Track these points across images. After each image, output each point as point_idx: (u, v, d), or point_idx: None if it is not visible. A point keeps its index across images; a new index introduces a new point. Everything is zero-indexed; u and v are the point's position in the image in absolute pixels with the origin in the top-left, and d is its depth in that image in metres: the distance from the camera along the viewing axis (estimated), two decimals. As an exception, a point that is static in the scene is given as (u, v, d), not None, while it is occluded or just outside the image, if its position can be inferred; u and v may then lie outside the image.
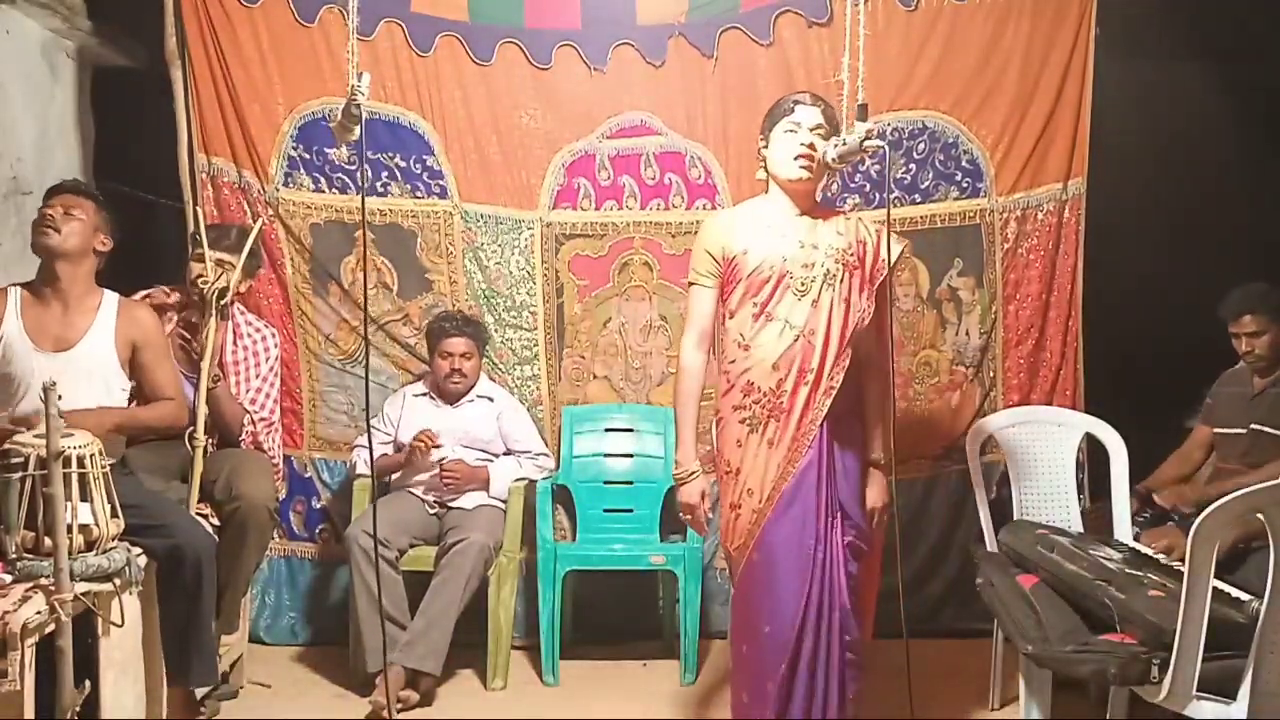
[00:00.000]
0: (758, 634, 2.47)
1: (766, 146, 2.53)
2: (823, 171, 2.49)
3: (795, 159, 2.46)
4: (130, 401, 2.84)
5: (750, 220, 2.56)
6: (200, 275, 3.08)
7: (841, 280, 2.48)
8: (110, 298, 2.81)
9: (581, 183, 3.76)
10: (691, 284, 2.61)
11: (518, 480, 3.56)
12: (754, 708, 2.48)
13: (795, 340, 2.46)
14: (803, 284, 2.47)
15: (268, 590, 3.74)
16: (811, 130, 2.45)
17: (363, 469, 3.54)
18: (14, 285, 2.77)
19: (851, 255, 2.50)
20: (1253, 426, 3.08)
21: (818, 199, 2.63)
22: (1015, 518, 3.16)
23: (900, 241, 2.61)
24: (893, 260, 2.53)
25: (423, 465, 3.47)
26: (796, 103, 2.49)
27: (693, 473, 2.57)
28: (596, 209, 3.77)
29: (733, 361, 2.54)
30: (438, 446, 3.45)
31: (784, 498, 2.46)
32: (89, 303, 2.77)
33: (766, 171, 2.55)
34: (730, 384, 2.54)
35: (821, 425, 2.47)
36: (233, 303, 3.20)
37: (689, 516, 2.61)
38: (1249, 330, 3.11)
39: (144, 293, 3.18)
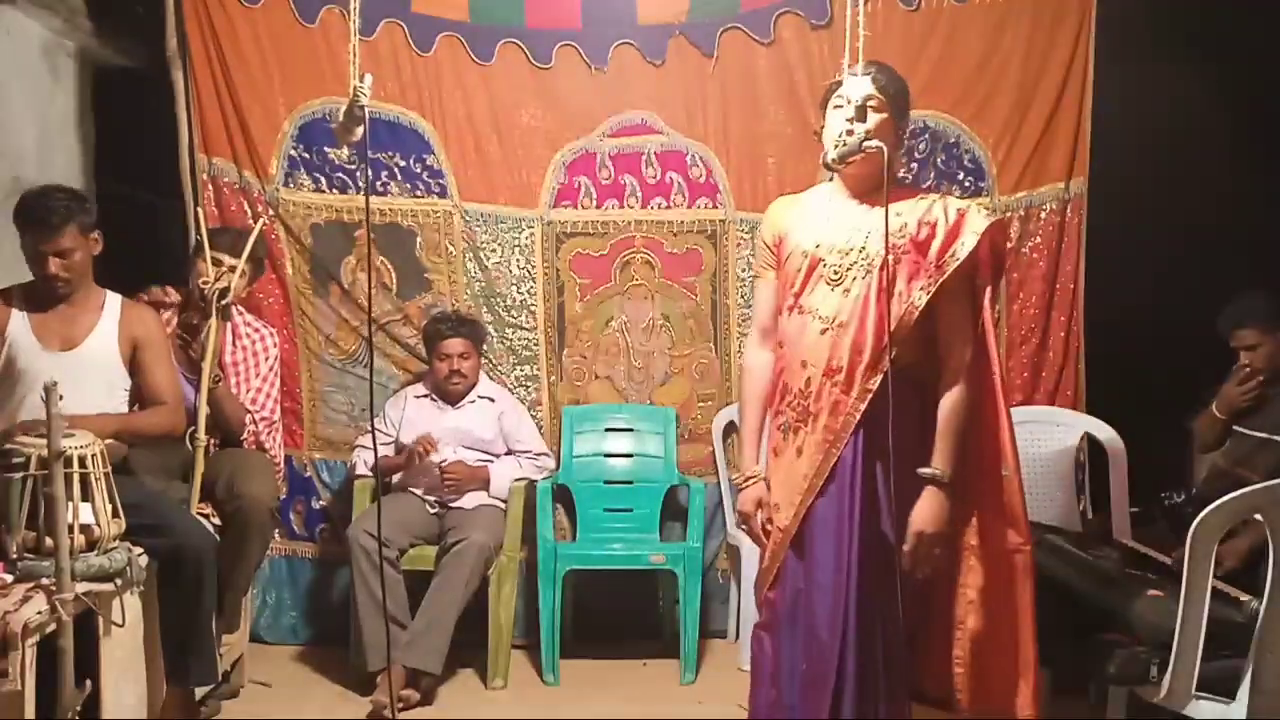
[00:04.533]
0: (791, 673, 2.19)
1: (824, 127, 2.23)
2: (888, 152, 2.10)
3: (837, 137, 2.15)
4: (131, 402, 2.84)
5: (802, 205, 2.31)
6: (203, 276, 3.09)
7: (882, 268, 2.12)
8: (114, 298, 2.81)
9: (582, 181, 3.76)
10: (755, 277, 2.42)
11: (518, 480, 3.56)
12: None
13: (823, 334, 2.17)
14: (835, 272, 2.18)
15: (268, 590, 3.73)
16: (863, 102, 2.10)
17: (363, 469, 3.55)
18: (17, 285, 2.77)
19: (902, 238, 2.12)
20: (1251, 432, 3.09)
21: (900, 176, 2.30)
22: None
23: (987, 216, 2.19)
24: (969, 247, 2.11)
25: (423, 469, 3.47)
26: (850, 73, 2.12)
27: (750, 478, 2.29)
28: (597, 207, 3.76)
29: (776, 361, 2.31)
30: (437, 452, 3.45)
31: (812, 515, 2.17)
32: (93, 301, 2.78)
33: (824, 161, 2.24)
34: (773, 387, 2.29)
35: (858, 435, 2.15)
36: (234, 303, 3.20)
37: (744, 527, 2.34)
38: (1246, 344, 3.09)
39: (150, 291, 3.19)
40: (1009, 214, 3.73)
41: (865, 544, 2.14)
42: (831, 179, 2.30)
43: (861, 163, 2.14)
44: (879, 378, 2.11)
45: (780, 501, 2.22)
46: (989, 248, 2.16)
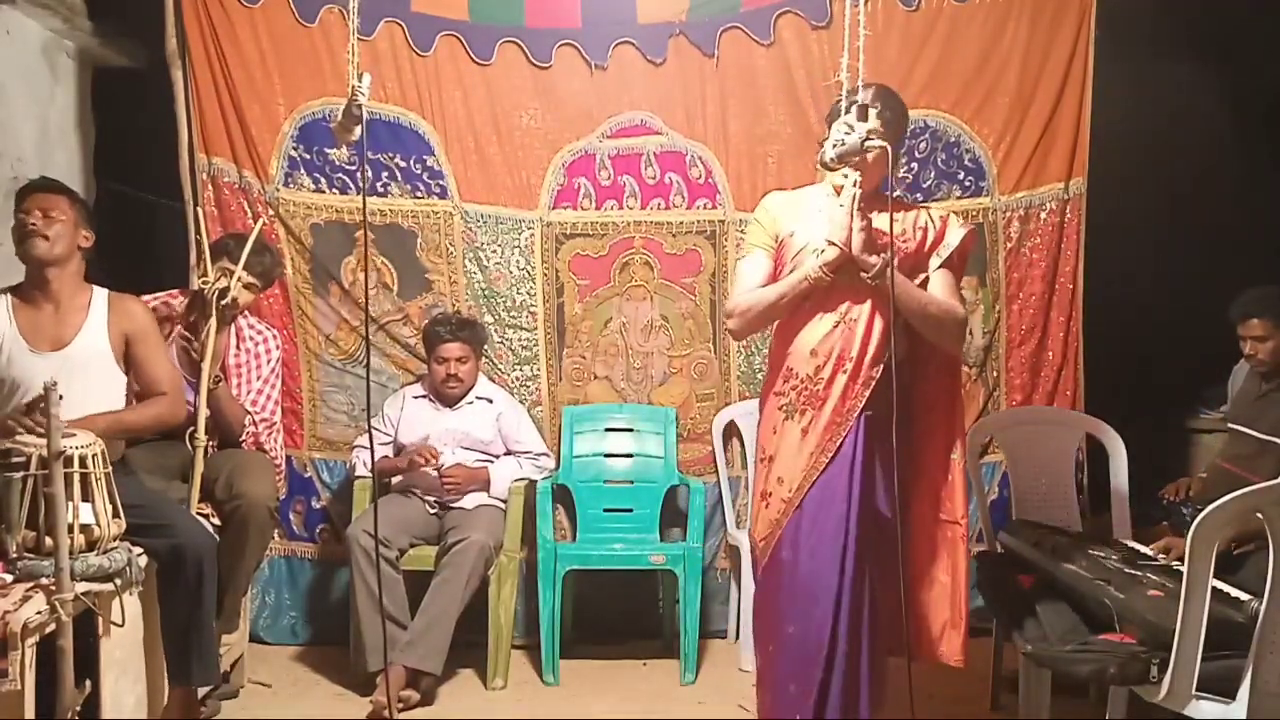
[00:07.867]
0: (781, 634, 2.41)
1: (827, 137, 2.39)
2: (880, 168, 2.36)
3: (836, 137, 2.32)
4: (128, 397, 2.82)
5: (803, 203, 2.51)
6: (216, 278, 3.08)
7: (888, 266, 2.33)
8: (100, 293, 2.77)
9: (582, 182, 3.76)
10: (742, 257, 2.56)
11: (518, 480, 3.56)
12: (777, 709, 2.41)
13: (835, 326, 2.39)
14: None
15: (268, 590, 3.74)
16: (864, 104, 2.30)
17: (362, 470, 3.55)
18: (3, 291, 2.73)
19: (902, 242, 2.37)
20: (1250, 432, 3.10)
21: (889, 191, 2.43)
22: (1015, 518, 3.16)
23: (964, 226, 2.49)
24: (953, 245, 2.42)
25: (422, 474, 3.47)
26: (854, 104, 2.31)
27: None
28: (597, 209, 3.77)
29: (774, 347, 2.53)
30: (437, 461, 3.45)
31: (815, 490, 2.38)
32: (80, 300, 2.74)
33: (822, 161, 2.39)
34: (771, 370, 2.52)
35: (860, 419, 2.38)
36: (234, 306, 3.19)
37: (864, 240, 2.30)
38: (1255, 334, 3.12)
39: (157, 296, 3.18)
40: (1008, 213, 3.74)
41: (863, 519, 2.37)
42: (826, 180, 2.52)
43: (863, 170, 2.33)
44: (880, 367, 2.36)
45: (784, 476, 2.41)
46: (969, 244, 2.48)
